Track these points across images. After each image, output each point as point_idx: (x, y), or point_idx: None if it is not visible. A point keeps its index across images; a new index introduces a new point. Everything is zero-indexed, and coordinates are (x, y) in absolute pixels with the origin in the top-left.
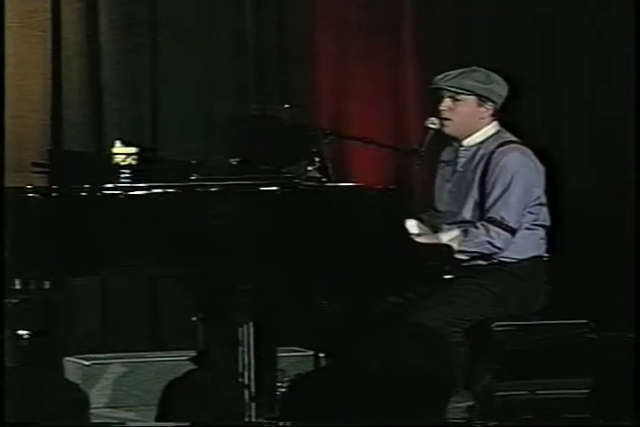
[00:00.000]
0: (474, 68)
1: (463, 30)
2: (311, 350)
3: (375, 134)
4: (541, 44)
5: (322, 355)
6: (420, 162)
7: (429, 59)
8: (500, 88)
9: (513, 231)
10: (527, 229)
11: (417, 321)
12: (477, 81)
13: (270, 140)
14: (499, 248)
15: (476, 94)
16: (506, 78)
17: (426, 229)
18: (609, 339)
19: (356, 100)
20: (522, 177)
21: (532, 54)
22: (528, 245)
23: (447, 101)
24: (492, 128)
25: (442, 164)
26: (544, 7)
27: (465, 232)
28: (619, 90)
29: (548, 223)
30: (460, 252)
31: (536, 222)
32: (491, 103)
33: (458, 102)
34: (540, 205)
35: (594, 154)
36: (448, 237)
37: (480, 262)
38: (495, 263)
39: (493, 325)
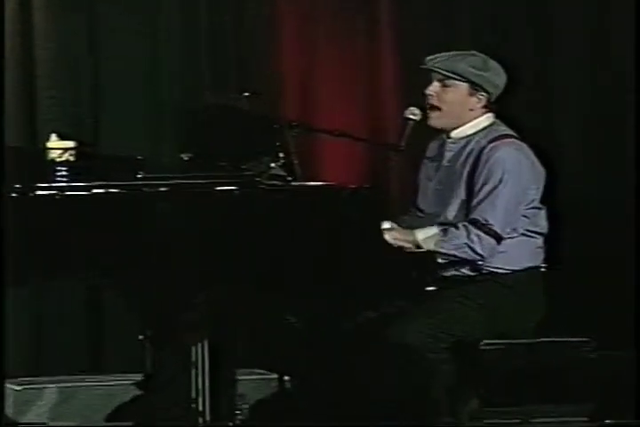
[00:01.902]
0: (472, 52)
1: (448, 8)
2: (275, 372)
3: (348, 127)
4: (539, 28)
5: (287, 378)
6: (400, 158)
7: (410, 40)
8: (496, 77)
9: (498, 237)
10: (522, 235)
11: (395, 338)
12: (472, 66)
13: (227, 132)
14: (479, 255)
15: (468, 81)
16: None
17: (396, 226)
18: (612, 359)
19: (327, 88)
20: (514, 176)
21: (528, 41)
22: (522, 253)
23: (435, 85)
24: (485, 120)
25: (426, 159)
26: None
27: (444, 232)
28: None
29: (545, 230)
30: (437, 253)
31: (531, 229)
32: (484, 93)
33: (447, 89)
34: (537, 209)
35: (594, 155)
36: (424, 234)
37: (467, 273)
38: (484, 274)
39: (481, 343)
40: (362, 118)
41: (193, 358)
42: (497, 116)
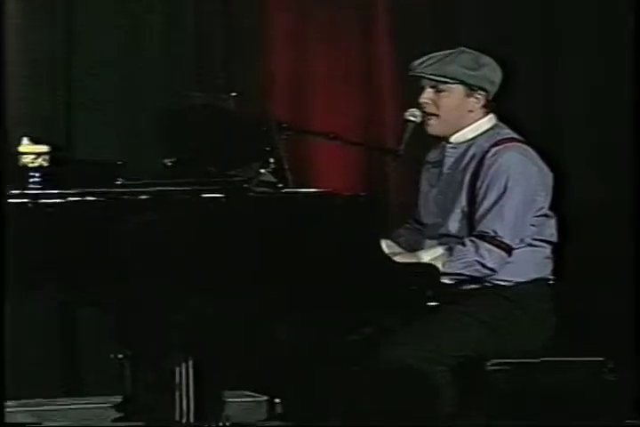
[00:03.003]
0: (461, 48)
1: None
2: (265, 394)
3: (343, 129)
4: (541, 28)
5: (278, 400)
6: (398, 163)
7: (408, 37)
8: (492, 73)
9: (509, 249)
10: (529, 245)
11: (394, 357)
12: (464, 66)
13: (213, 135)
14: (491, 269)
15: (462, 83)
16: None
17: (398, 249)
18: (630, 381)
19: (320, 88)
20: (521, 182)
21: (529, 40)
22: (529, 264)
23: (428, 92)
24: (486, 122)
25: (427, 165)
26: None
27: (450, 250)
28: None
29: (554, 239)
30: (445, 274)
31: (539, 237)
32: (481, 92)
33: (441, 94)
34: (545, 216)
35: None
36: (429, 255)
37: (470, 286)
38: (489, 287)
39: (488, 363)
40: (358, 120)
41: (176, 380)
42: (499, 119)
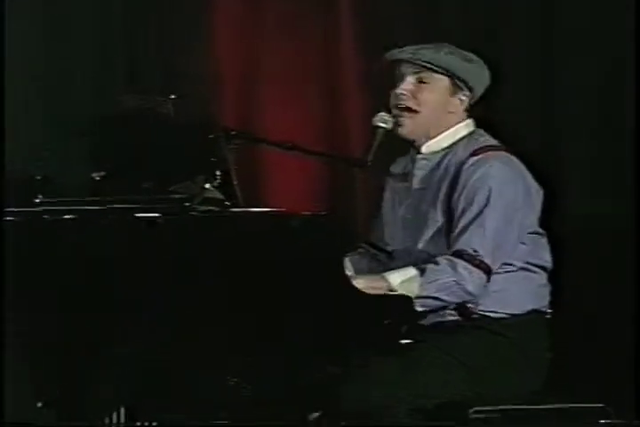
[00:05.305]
0: (444, 44)
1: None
2: None
3: (301, 137)
4: (540, 20)
5: None
6: (366, 176)
7: (376, 33)
8: (481, 71)
9: (488, 271)
10: (521, 269)
11: (363, 401)
12: (455, 55)
13: (150, 145)
14: (470, 293)
15: (453, 75)
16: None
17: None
18: None
19: (274, 90)
20: (504, 195)
21: (525, 38)
22: (521, 293)
23: (408, 82)
24: (463, 128)
25: (391, 179)
26: None
27: (422, 271)
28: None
29: (549, 264)
30: (418, 298)
31: (533, 261)
32: (467, 92)
33: (424, 86)
34: (537, 234)
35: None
36: (400, 277)
37: (451, 318)
38: (474, 319)
39: (471, 410)
40: (318, 127)
41: None
42: (478, 125)
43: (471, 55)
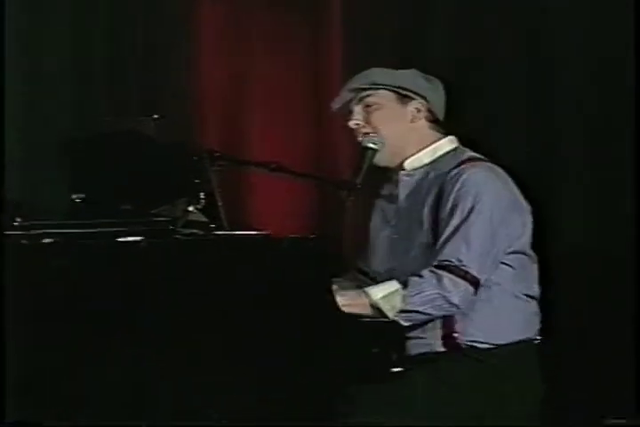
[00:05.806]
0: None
1: (401, 18)
2: None
3: (288, 159)
4: (528, 36)
5: None
6: (356, 198)
7: (360, 52)
8: (427, 83)
9: (475, 283)
10: (511, 297)
11: None
12: (380, 70)
13: (131, 166)
14: (455, 306)
15: (387, 86)
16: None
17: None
18: None
19: (259, 110)
20: (489, 203)
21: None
22: (514, 322)
23: (356, 111)
24: (446, 144)
25: (380, 201)
26: None
27: (404, 284)
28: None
29: (537, 293)
30: (402, 312)
31: (521, 289)
32: (420, 100)
33: (370, 108)
34: (524, 255)
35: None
36: (382, 292)
37: (439, 349)
38: (463, 349)
39: None
40: (304, 148)
41: None
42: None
43: (425, 76)
